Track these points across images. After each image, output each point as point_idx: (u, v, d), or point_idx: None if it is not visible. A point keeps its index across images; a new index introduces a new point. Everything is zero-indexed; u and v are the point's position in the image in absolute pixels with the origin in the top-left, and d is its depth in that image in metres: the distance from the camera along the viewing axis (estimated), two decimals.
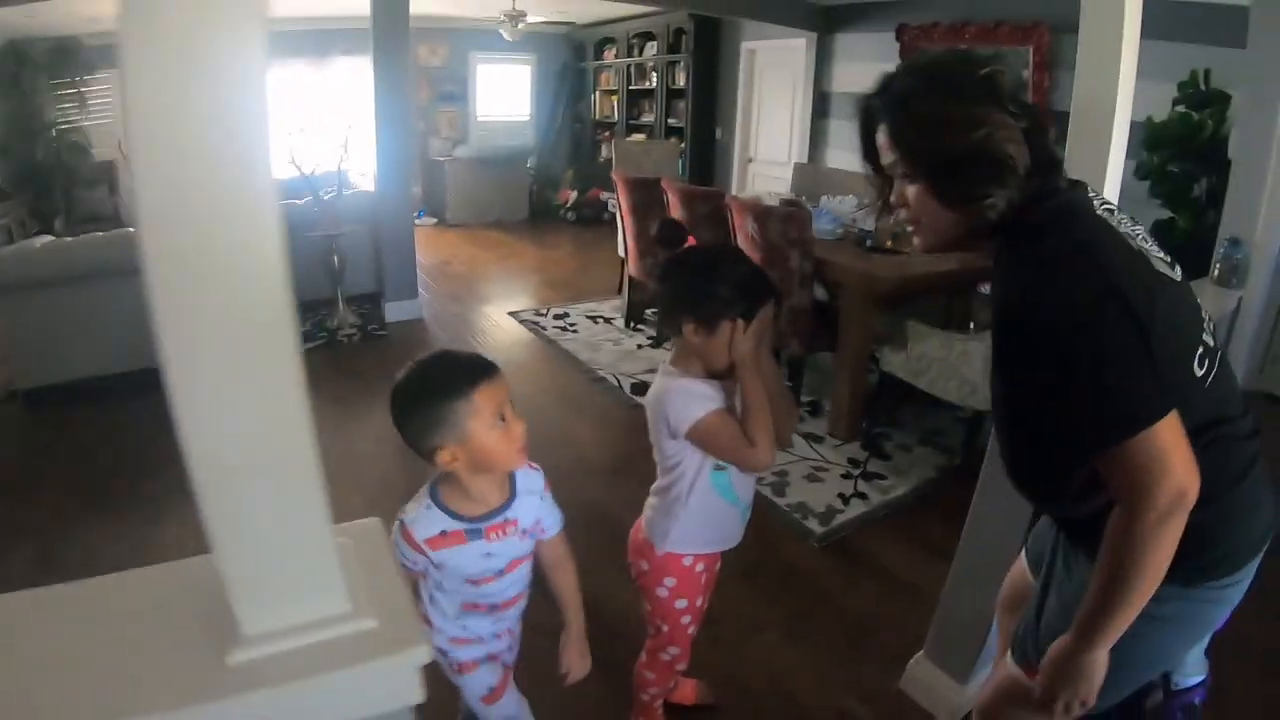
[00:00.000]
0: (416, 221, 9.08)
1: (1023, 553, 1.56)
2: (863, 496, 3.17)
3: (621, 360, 4.71)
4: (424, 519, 1.33)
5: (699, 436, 1.49)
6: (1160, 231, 4.34)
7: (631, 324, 5.36)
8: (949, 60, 1.15)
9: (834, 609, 2.51)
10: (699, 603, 1.72)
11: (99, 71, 7.30)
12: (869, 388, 3.80)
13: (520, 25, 7.33)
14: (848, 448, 3.62)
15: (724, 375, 1.52)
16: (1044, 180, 1.07)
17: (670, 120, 8.48)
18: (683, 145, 8.17)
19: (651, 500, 1.68)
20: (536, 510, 1.45)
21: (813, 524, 2.95)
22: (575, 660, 1.55)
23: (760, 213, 3.53)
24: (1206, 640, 1.30)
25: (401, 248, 5.45)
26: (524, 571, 1.48)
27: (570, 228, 9.07)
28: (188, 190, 0.61)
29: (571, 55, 10.02)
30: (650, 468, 1.67)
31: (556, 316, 5.56)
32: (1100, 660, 1.08)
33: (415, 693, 0.78)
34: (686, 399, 1.48)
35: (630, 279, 5.23)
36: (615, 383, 4.35)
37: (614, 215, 5.66)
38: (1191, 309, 1.09)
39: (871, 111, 1.16)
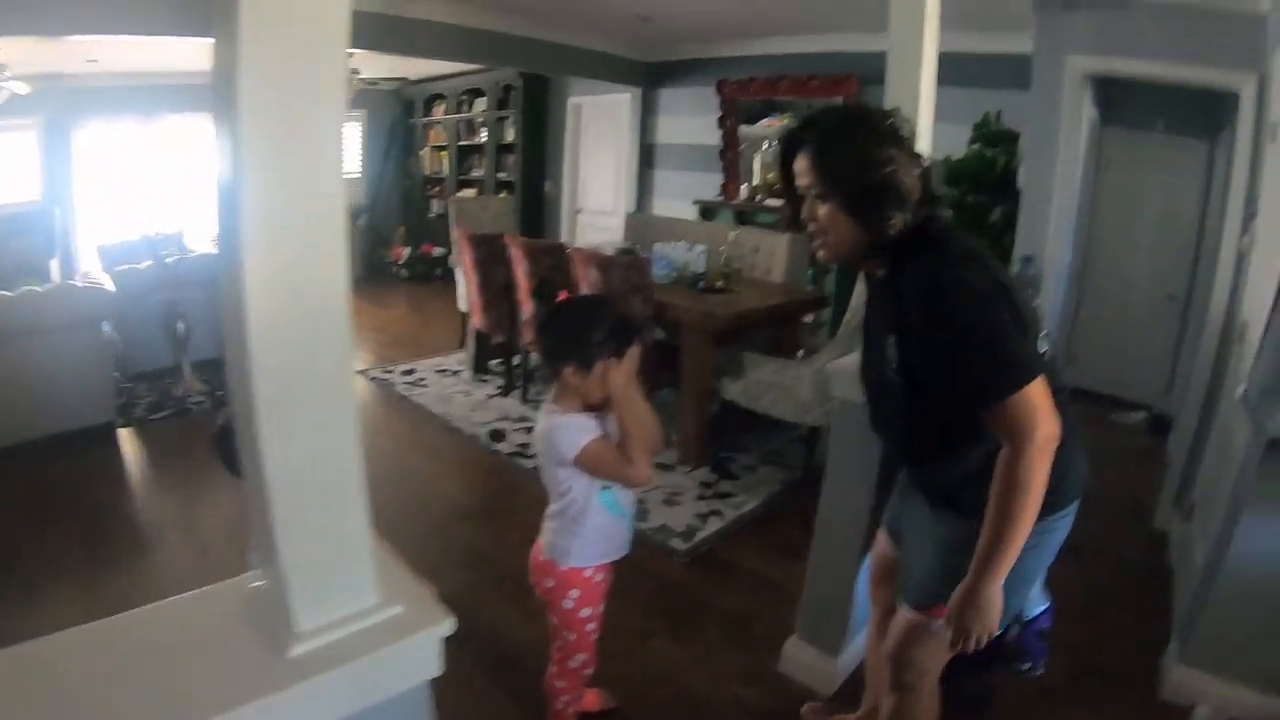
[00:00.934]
0: None
1: (882, 532, 1.90)
2: (718, 513, 3.51)
3: (474, 410, 4.86)
4: None
5: (585, 461, 1.75)
6: None
7: (479, 375, 5.52)
8: (864, 109, 1.50)
9: (709, 611, 2.80)
10: (600, 609, 1.96)
11: None
12: (712, 417, 4.16)
13: (353, 83, 7.37)
14: (698, 472, 3.96)
15: (599, 407, 1.79)
16: (929, 210, 1.42)
17: (500, 174, 8.70)
18: (512, 198, 8.41)
19: (549, 524, 1.90)
20: None
21: (676, 542, 3.24)
22: None
23: (602, 262, 3.85)
24: (1044, 576, 1.65)
25: None
26: None
27: (404, 285, 9.05)
28: (283, 278, 0.84)
29: (401, 111, 10.06)
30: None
31: (405, 372, 5.62)
32: (998, 592, 1.37)
33: (436, 665, 0.97)
34: (571, 431, 1.74)
35: (476, 332, 5.39)
36: (471, 432, 4.49)
37: (448, 271, 5.80)
38: (1031, 305, 1.44)
39: (795, 140, 1.47)
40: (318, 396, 0.89)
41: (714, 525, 3.41)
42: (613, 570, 2.02)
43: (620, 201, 7.89)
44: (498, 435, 4.43)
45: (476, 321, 5.26)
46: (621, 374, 1.72)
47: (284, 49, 0.80)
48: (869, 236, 1.42)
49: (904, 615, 1.63)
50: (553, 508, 1.88)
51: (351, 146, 9.92)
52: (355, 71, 6.74)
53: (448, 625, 0.96)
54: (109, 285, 4.57)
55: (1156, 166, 5.02)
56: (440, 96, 9.36)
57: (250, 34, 0.77)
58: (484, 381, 5.44)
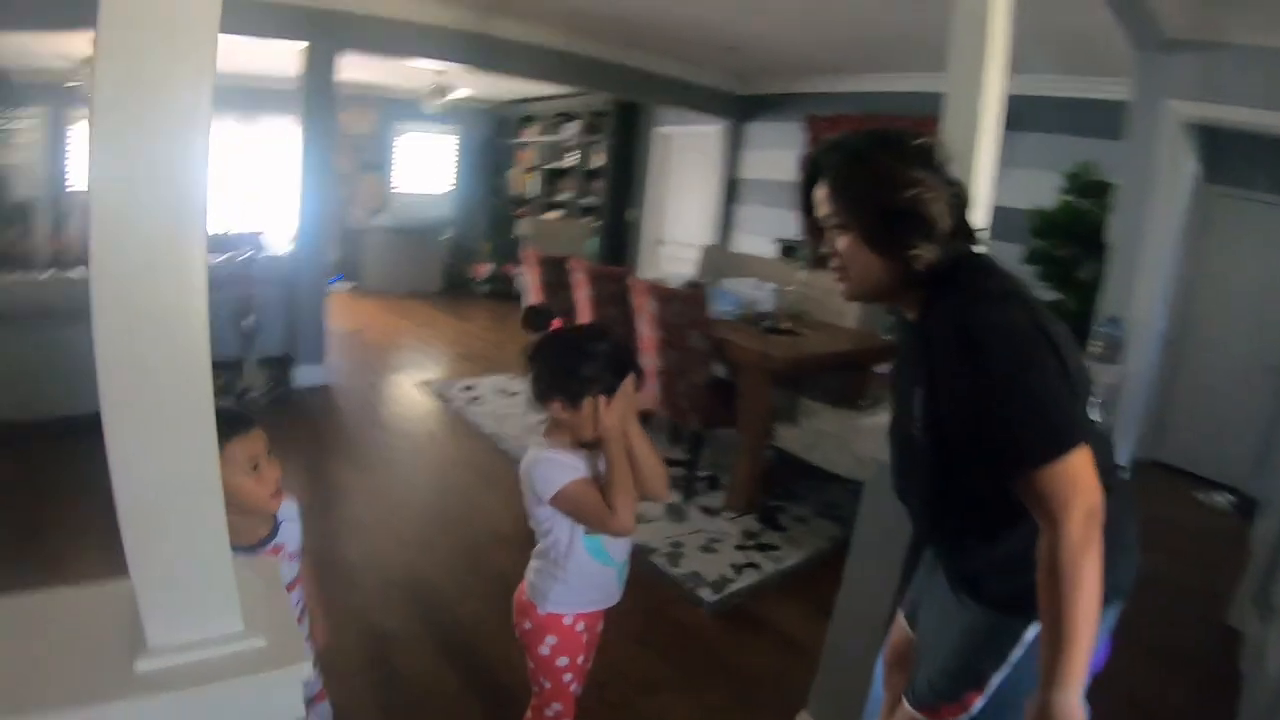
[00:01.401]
0: (332, 287, 9.06)
1: (900, 614, 1.67)
2: (755, 566, 3.29)
3: (528, 434, 4.73)
4: None
5: (563, 503, 1.60)
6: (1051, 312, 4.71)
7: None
8: (890, 130, 1.29)
9: (725, 669, 2.60)
10: (580, 660, 1.80)
11: (26, 108, 7.13)
12: (766, 462, 3.96)
13: (444, 99, 7.51)
14: (744, 520, 3.75)
15: (593, 445, 1.64)
16: (964, 244, 1.23)
17: (586, 199, 8.73)
18: (597, 224, 8.40)
19: (533, 563, 1.77)
20: (297, 535, 1.67)
21: (705, 592, 3.05)
22: (323, 634, 1.82)
23: (661, 294, 3.72)
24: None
25: (314, 313, 5.44)
26: (298, 598, 1.66)
27: (484, 301, 9.15)
28: (133, 275, 0.75)
29: (494, 130, 10.25)
30: None
31: (465, 389, 5.60)
32: (1075, 703, 1.10)
33: (297, 707, 0.88)
34: (551, 468, 1.60)
35: None
36: (518, 456, 4.37)
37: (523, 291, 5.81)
38: (1080, 361, 1.22)
39: (816, 166, 1.30)
40: (168, 407, 0.80)
41: (749, 578, 3.20)
42: (602, 620, 1.88)
43: (704, 235, 7.77)
44: None
45: None
46: (613, 413, 1.57)
47: (142, 47, 0.73)
48: (892, 271, 1.23)
49: (907, 712, 1.41)
50: (537, 547, 1.75)
51: (444, 162, 10.20)
52: (447, 87, 6.86)
53: (307, 669, 0.87)
54: None
55: (1261, 227, 4.65)
56: (532, 118, 9.50)
57: (108, 25, 0.70)
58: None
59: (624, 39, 5.97)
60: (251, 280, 5.07)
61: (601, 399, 1.56)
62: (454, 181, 10.26)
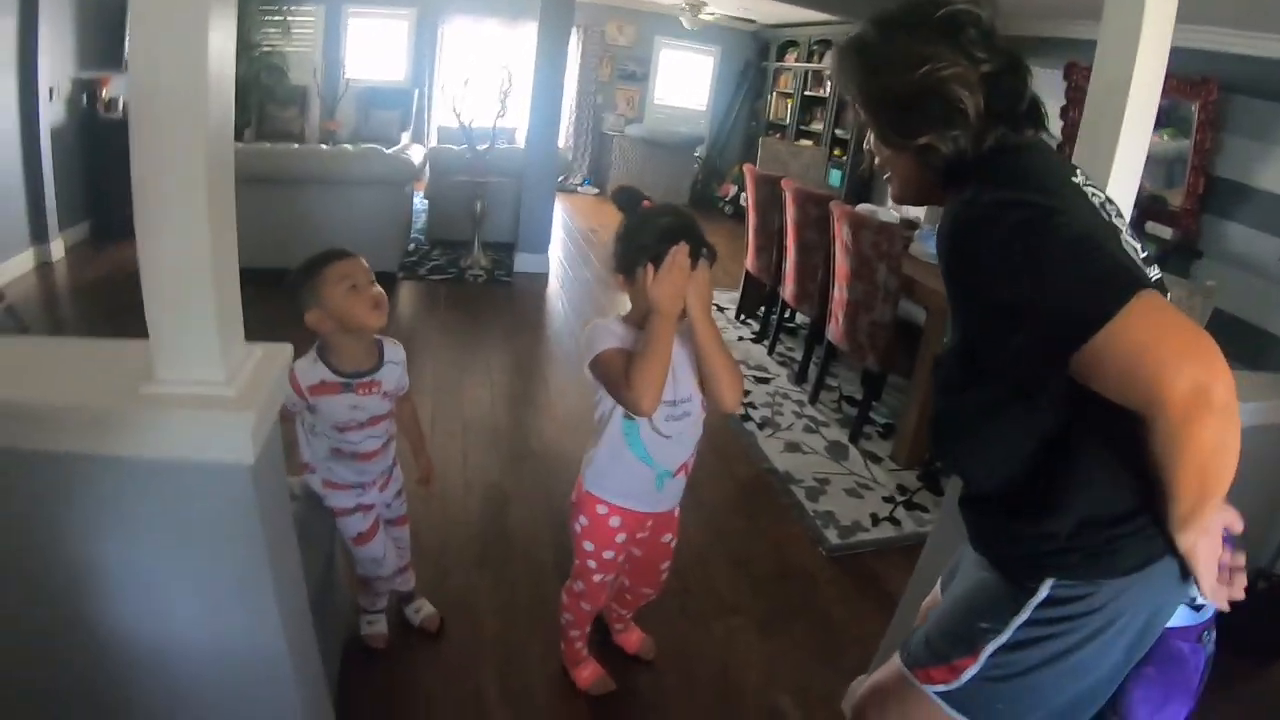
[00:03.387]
0: (580, 189, 9.46)
1: (939, 584, 1.47)
2: (895, 522, 3.11)
3: None
4: (309, 369, 1.67)
5: (597, 369, 1.57)
6: None
7: (742, 317, 5.44)
8: (911, 1, 1.09)
9: (814, 617, 2.46)
10: (608, 556, 1.77)
11: (305, 4, 8.11)
12: None
13: (700, 15, 7.45)
14: (903, 475, 3.54)
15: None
16: (1010, 128, 1.04)
17: (838, 131, 8.37)
18: (844, 157, 8.06)
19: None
20: (398, 378, 1.84)
21: (830, 533, 2.94)
22: (427, 467, 2.09)
23: (854, 221, 3.53)
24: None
25: (540, 206, 5.74)
26: (383, 431, 1.81)
27: (726, 220, 9.13)
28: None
29: (755, 53, 10.06)
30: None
31: None
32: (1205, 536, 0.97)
33: (247, 453, 1.12)
34: (597, 333, 1.58)
35: (747, 273, 5.29)
36: None
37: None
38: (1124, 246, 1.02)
39: (838, 63, 1.16)
40: (175, 197, 1.05)
41: (883, 532, 3.03)
42: (665, 535, 1.87)
43: None
44: None
45: (749, 262, 5.19)
46: (662, 285, 1.47)
47: None
48: (916, 168, 1.08)
49: (894, 666, 1.28)
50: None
51: (701, 80, 10.22)
52: (703, 3, 6.79)
53: (249, 418, 1.11)
54: (415, 159, 5.14)
55: None
56: (794, 43, 9.19)
57: None
58: (744, 324, 5.37)
59: None
60: (486, 169, 5.44)
61: (650, 268, 1.49)
62: (711, 100, 10.25)
